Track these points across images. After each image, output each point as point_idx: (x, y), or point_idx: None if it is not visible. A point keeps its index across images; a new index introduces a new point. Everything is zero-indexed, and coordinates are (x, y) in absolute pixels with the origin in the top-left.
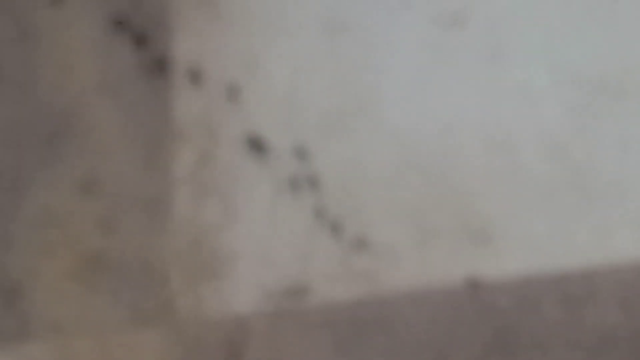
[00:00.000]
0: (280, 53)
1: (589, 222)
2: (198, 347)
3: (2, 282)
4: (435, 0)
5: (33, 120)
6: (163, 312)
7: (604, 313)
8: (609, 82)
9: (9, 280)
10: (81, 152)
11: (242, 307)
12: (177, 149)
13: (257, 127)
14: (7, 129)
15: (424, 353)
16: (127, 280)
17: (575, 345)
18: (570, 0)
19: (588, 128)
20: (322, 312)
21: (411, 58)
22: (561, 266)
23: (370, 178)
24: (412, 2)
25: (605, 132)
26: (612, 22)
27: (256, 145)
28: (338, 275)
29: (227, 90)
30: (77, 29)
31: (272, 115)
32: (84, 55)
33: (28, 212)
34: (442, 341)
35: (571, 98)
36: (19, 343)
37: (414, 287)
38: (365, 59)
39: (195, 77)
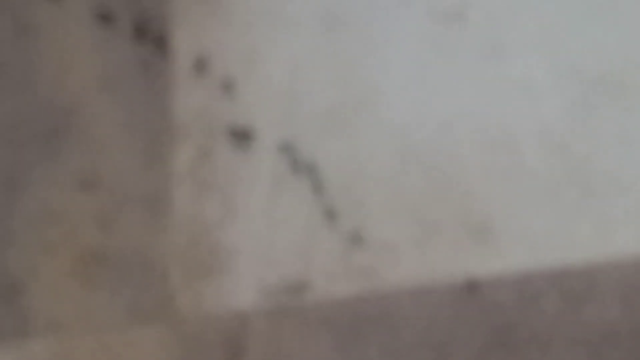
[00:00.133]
0: (279, 48)
1: (589, 217)
2: (198, 344)
3: (1, 280)
4: None
5: (32, 117)
6: (163, 309)
7: (605, 309)
8: (610, 78)
9: (8, 278)
10: (80, 149)
11: (242, 303)
12: (177, 145)
13: (257, 122)
14: (6, 126)
15: (424, 349)
16: (126, 277)
17: (575, 342)
18: None
19: (588, 123)
20: (322, 309)
21: (410, 53)
22: (561, 262)
23: (370, 174)
24: None
25: (605, 127)
26: (612, 17)
27: (256, 142)
28: (338, 272)
29: (226, 86)
30: (75, 25)
31: (271, 110)
32: (83, 51)
33: (27, 209)
34: (443, 337)
35: (571, 93)
36: (18, 340)
37: (414, 283)
38: (364, 55)
39: (195, 72)
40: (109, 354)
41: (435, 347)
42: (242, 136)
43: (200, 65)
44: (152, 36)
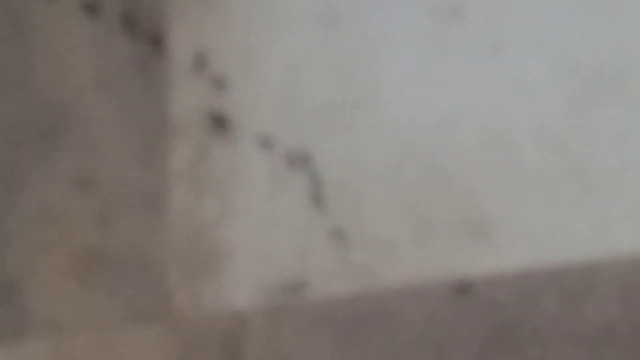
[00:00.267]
0: (277, 46)
1: (588, 214)
2: (196, 343)
3: None
4: None
5: (29, 116)
6: (161, 308)
7: (604, 306)
8: (608, 74)
9: (5, 277)
10: (77, 148)
11: (240, 302)
12: (174, 144)
13: (255, 121)
14: (3, 125)
15: (423, 348)
16: (124, 276)
17: (575, 339)
18: None
19: (587, 120)
20: (320, 308)
21: (409, 51)
22: (560, 259)
23: (368, 172)
24: None
25: (604, 123)
26: (610, 13)
27: (253, 140)
28: (336, 271)
29: (223, 84)
30: (72, 24)
31: (269, 108)
32: (80, 50)
33: (24, 208)
34: (441, 336)
35: (570, 90)
36: (16, 340)
37: (412, 281)
38: (363, 52)
39: (192, 70)
40: (107, 353)
41: (434, 346)
42: (239, 135)
43: (198, 63)
44: (149, 34)
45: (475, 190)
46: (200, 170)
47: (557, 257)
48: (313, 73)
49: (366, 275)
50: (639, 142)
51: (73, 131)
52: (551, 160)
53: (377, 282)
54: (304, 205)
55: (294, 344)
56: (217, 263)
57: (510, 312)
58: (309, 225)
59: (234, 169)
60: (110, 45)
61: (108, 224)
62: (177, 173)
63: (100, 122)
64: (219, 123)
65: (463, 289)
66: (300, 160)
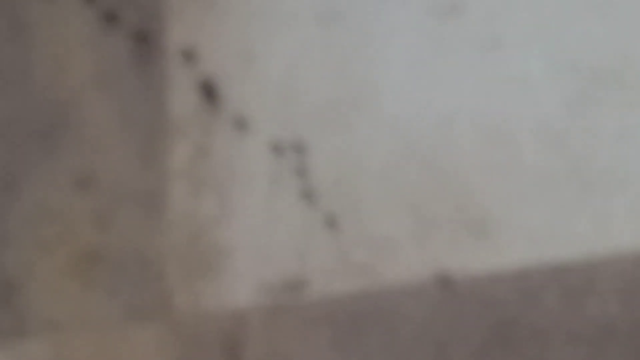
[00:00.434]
0: (275, 44)
1: (587, 212)
2: (196, 342)
3: None
4: None
5: (28, 115)
6: (160, 307)
7: (604, 304)
8: (607, 71)
9: (4, 277)
10: (77, 147)
11: (240, 301)
12: (173, 143)
13: (253, 119)
14: (2, 124)
15: (423, 346)
16: (123, 275)
17: (575, 337)
18: None
19: (586, 117)
20: (320, 306)
21: (407, 48)
22: (560, 257)
23: (367, 170)
24: None
25: (603, 121)
26: (610, 11)
27: (252, 139)
28: (336, 269)
29: (222, 83)
30: (71, 23)
31: (268, 107)
32: (79, 49)
33: (23, 208)
34: (442, 334)
35: (569, 87)
36: (15, 340)
37: (412, 280)
38: (361, 50)
39: (191, 69)
40: (107, 352)
41: (434, 344)
42: (239, 133)
43: (196, 63)
44: (148, 34)
45: (475, 188)
46: (199, 169)
47: (557, 255)
48: (312, 71)
49: (366, 274)
50: (638, 139)
51: (72, 130)
52: (551, 158)
53: (377, 281)
54: (303, 204)
55: (293, 342)
56: (216, 262)
57: (510, 310)
58: (309, 224)
59: (233, 168)
60: (109, 44)
61: (107, 224)
62: (177, 172)
63: (100, 121)
64: (218, 122)
65: (463, 287)
66: (299, 159)
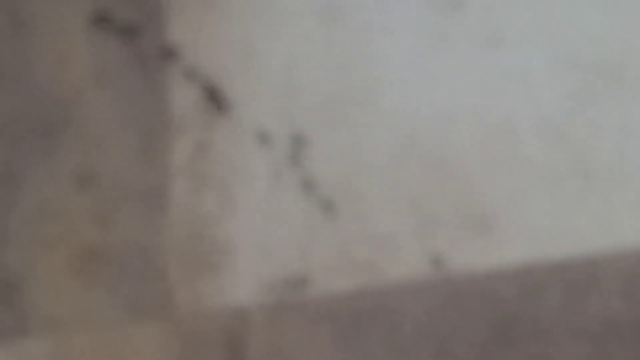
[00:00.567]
0: (276, 40)
1: (590, 208)
2: (197, 340)
3: None
4: None
5: (28, 113)
6: (162, 305)
7: (607, 300)
8: (609, 66)
9: (5, 275)
10: (77, 145)
11: (242, 299)
12: (174, 140)
13: (254, 116)
14: (2, 122)
15: (425, 343)
16: (124, 273)
17: (578, 333)
18: None
19: (588, 113)
20: (322, 303)
21: (408, 44)
22: (563, 253)
23: (369, 166)
24: None
25: (605, 116)
26: (612, 5)
27: (253, 135)
28: (337, 266)
29: (222, 79)
30: (71, 20)
31: (269, 103)
32: (79, 46)
33: (24, 206)
34: (444, 331)
35: (571, 83)
36: (17, 339)
37: (414, 276)
38: (362, 45)
39: (192, 67)
40: (108, 351)
41: (436, 341)
42: (239, 130)
43: (197, 59)
44: (149, 31)
45: (476, 184)
46: (200, 167)
47: (559, 251)
48: (313, 67)
49: (368, 271)
50: None
51: (73, 128)
52: (553, 153)
53: (379, 278)
54: (304, 201)
55: (295, 340)
56: (218, 260)
57: (512, 307)
58: (310, 221)
59: (234, 165)
60: (109, 42)
61: (108, 221)
62: (177, 169)
63: (100, 118)
64: (219, 119)
65: (465, 283)
66: (300, 156)
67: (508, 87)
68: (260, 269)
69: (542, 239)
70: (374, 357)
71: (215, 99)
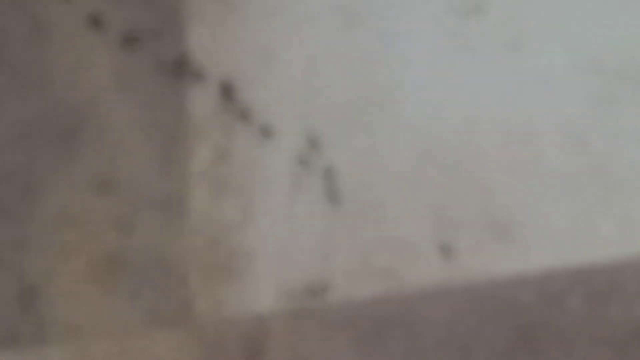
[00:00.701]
0: (295, 45)
1: (612, 213)
2: (218, 348)
3: (19, 285)
4: None
5: (47, 119)
6: (182, 313)
7: (630, 307)
8: (632, 70)
9: (25, 283)
10: (97, 151)
11: (262, 306)
12: (194, 146)
13: (274, 121)
14: (21, 128)
15: (446, 350)
16: (144, 280)
17: (600, 341)
18: None
19: (610, 117)
20: (343, 310)
21: (429, 47)
22: (585, 260)
23: (389, 171)
24: None
25: (627, 121)
26: (634, 8)
27: (273, 141)
28: (358, 272)
29: (241, 84)
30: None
31: (288, 109)
32: (98, 52)
33: (43, 212)
34: (465, 338)
35: (593, 87)
36: (37, 346)
37: (435, 283)
38: (382, 50)
39: (211, 72)
40: (128, 358)
41: (458, 348)
42: (259, 136)
43: (216, 65)
44: (168, 37)
45: (498, 189)
46: (220, 172)
47: (581, 257)
48: (333, 72)
49: (389, 278)
50: None
51: (92, 134)
52: (574, 158)
53: (400, 285)
54: (324, 207)
55: (316, 347)
56: (238, 266)
57: (534, 313)
58: (330, 227)
59: (254, 171)
60: (128, 46)
61: (128, 228)
62: (198, 175)
63: (120, 124)
64: (239, 125)
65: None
66: (320, 161)
67: (529, 91)
68: (280, 275)
69: (563, 245)
70: None
71: (234, 103)
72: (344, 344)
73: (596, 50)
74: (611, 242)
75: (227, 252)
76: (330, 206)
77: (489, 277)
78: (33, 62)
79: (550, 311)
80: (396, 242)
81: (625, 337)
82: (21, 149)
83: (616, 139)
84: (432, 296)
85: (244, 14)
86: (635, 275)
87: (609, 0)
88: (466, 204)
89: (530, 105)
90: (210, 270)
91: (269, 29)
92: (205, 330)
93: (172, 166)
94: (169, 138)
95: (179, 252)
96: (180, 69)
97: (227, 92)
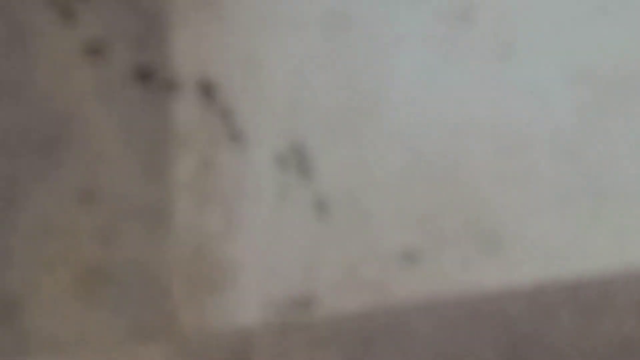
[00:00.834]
0: (281, 52)
1: (604, 226)
2: None
3: (0, 297)
4: None
5: (27, 127)
6: (166, 326)
7: (621, 321)
8: (624, 79)
9: (6, 295)
10: (78, 161)
11: (247, 319)
12: (177, 156)
13: (259, 130)
14: (1, 137)
15: None
16: (128, 293)
17: (591, 355)
18: None
19: (601, 127)
20: (330, 324)
21: (417, 56)
22: (576, 273)
23: (376, 182)
24: None
25: (619, 132)
26: (625, 17)
27: (257, 150)
28: (345, 285)
29: (227, 93)
30: (72, 32)
31: (274, 117)
32: (80, 59)
33: (24, 224)
34: (455, 352)
35: (584, 97)
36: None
37: (424, 296)
38: (369, 57)
39: (196, 80)
40: None
41: None
42: (244, 145)
43: (200, 72)
44: (152, 44)
45: (487, 201)
46: (204, 183)
47: (572, 270)
48: (319, 80)
49: (376, 290)
50: None
51: (73, 143)
52: (565, 169)
53: (388, 297)
54: (310, 218)
55: None
56: (222, 278)
57: (524, 328)
58: (316, 239)
59: (239, 181)
60: (110, 54)
61: (111, 240)
62: (181, 186)
63: (102, 133)
64: (223, 134)
65: (476, 303)
66: (306, 171)
67: (519, 100)
68: (265, 288)
69: (554, 258)
70: None
71: (218, 112)
72: (331, 358)
73: (587, 59)
74: (603, 255)
75: (211, 264)
76: (316, 217)
77: (479, 289)
78: (13, 70)
79: (541, 325)
80: (384, 254)
81: (617, 351)
82: (1, 158)
83: (608, 150)
84: (421, 309)
85: (228, 21)
86: (627, 289)
87: (600, 9)
88: (455, 215)
89: (520, 114)
90: (195, 282)
91: (254, 36)
92: (190, 343)
93: (156, 176)
94: (153, 147)
95: (163, 264)
96: (163, 77)
97: (211, 100)
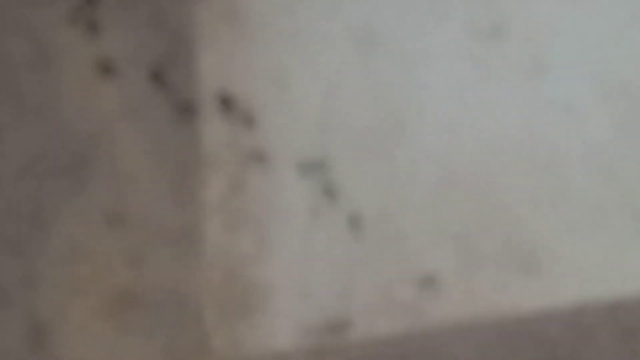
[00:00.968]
0: (311, 70)
1: None
2: None
3: (28, 323)
4: (473, 11)
5: (56, 149)
6: (198, 351)
7: None
8: None
9: (35, 320)
10: (107, 182)
11: (281, 343)
12: (207, 177)
13: (290, 149)
14: (29, 159)
15: None
16: (159, 317)
17: None
18: (614, 8)
19: (638, 143)
20: (364, 347)
21: (448, 73)
22: (615, 294)
23: (409, 201)
24: (449, 13)
25: None
26: None
27: (289, 170)
28: (380, 308)
29: (256, 112)
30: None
31: (304, 137)
32: (107, 79)
33: (53, 247)
34: None
35: (618, 112)
36: None
37: (460, 318)
38: (400, 75)
39: (224, 100)
40: None
41: None
42: (275, 165)
43: (229, 91)
44: (178, 62)
45: (522, 219)
46: (235, 204)
47: (611, 291)
48: (349, 98)
49: (411, 313)
50: None
51: (102, 165)
52: (601, 186)
53: (423, 320)
54: (344, 239)
55: None
56: (255, 302)
57: (563, 350)
58: (350, 260)
59: (270, 202)
60: (138, 73)
61: (141, 262)
62: (212, 207)
63: (131, 155)
64: (254, 154)
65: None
66: (338, 191)
67: (553, 117)
68: (299, 311)
69: (592, 278)
70: None
71: (248, 132)
72: None
73: (621, 73)
74: None
75: (243, 287)
76: (349, 238)
77: (516, 311)
78: (39, 90)
79: (580, 346)
80: (418, 275)
81: None
82: (28, 181)
83: None
84: (457, 331)
85: (257, 39)
86: None
87: (632, 21)
88: (490, 235)
89: (554, 131)
90: (227, 305)
91: (284, 54)
92: None
93: (186, 198)
94: (182, 168)
95: (194, 287)
96: (193, 97)
97: (238, 119)
